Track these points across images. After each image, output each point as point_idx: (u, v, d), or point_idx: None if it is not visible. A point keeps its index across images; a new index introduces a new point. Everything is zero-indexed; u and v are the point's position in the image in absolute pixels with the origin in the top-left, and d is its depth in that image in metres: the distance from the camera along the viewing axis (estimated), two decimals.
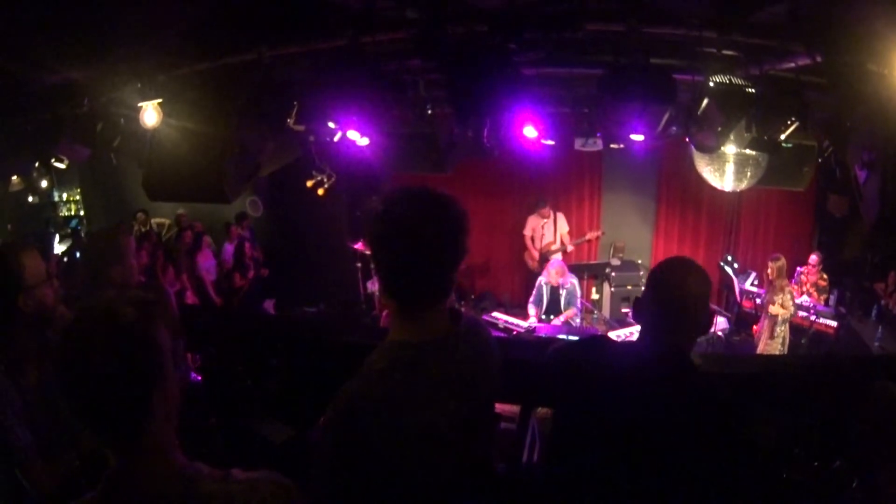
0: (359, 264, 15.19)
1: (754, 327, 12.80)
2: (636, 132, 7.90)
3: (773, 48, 6.40)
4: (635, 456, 2.88)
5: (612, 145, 10.68)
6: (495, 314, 12.93)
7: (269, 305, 15.24)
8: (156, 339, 2.14)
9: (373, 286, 14.99)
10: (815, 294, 13.33)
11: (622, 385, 3.01)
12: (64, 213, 21.37)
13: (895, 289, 12.10)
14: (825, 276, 13.46)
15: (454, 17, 6.12)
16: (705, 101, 7.09)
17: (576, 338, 3.99)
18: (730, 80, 6.75)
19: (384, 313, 2.59)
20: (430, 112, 9.56)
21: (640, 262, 15.40)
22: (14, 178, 11.18)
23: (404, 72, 7.97)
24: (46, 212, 20.31)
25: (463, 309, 13.19)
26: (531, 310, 12.73)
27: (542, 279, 12.80)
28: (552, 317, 12.44)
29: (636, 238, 16.63)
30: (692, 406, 2.94)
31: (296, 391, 6.22)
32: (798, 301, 12.53)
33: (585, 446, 3.07)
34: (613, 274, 14.99)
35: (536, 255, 15.49)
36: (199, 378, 6.53)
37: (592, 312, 14.14)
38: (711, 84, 6.83)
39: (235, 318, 9.96)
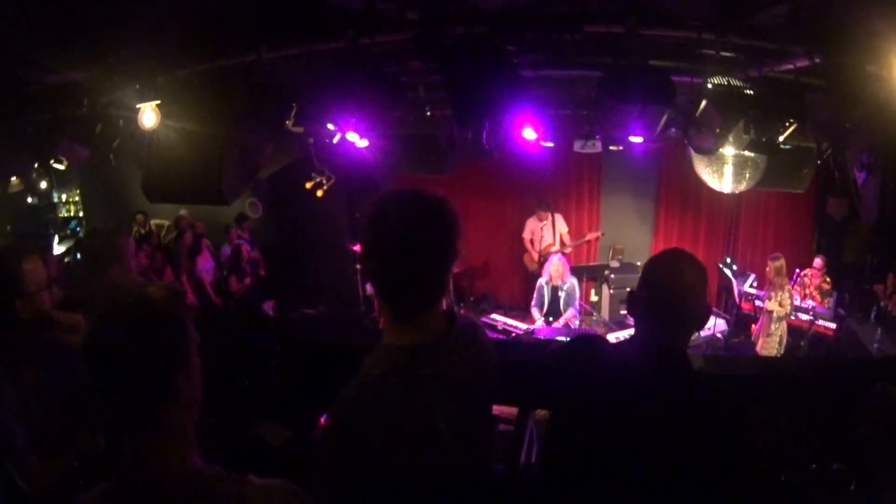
0: (358, 266, 15.12)
1: (753, 327, 12.81)
2: (635, 134, 7.90)
3: (773, 50, 6.40)
4: (630, 454, 2.86)
5: (611, 147, 10.71)
6: (494, 316, 12.93)
7: (268, 307, 15.23)
8: (184, 323, 2.24)
9: (371, 287, 14.96)
10: (818, 297, 13.33)
11: (616, 383, 3.00)
12: (63, 214, 21.34)
13: (894, 290, 12.09)
14: (828, 280, 13.46)
15: (454, 18, 6.12)
16: (704, 103, 7.10)
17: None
18: (728, 81, 6.75)
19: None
20: (429, 114, 9.59)
21: (639, 264, 15.35)
22: (13, 178, 11.19)
23: (404, 73, 7.98)
24: (46, 213, 20.28)
25: (462, 310, 13.22)
26: (535, 313, 12.73)
27: (542, 280, 12.80)
28: (551, 318, 12.44)
29: (635, 240, 16.64)
30: (686, 402, 2.93)
31: (294, 392, 6.22)
32: (798, 303, 12.55)
33: (581, 446, 3.06)
34: (612, 276, 14.98)
35: (537, 256, 15.49)
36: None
37: (591, 314, 14.16)
38: (710, 86, 6.84)
39: (234, 319, 9.95)
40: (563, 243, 15.53)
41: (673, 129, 8.40)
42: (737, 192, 9.44)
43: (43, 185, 13.69)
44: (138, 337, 2.10)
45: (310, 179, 13.44)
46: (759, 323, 12.21)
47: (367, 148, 9.98)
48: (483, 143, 9.36)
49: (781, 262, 11.63)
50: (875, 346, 11.07)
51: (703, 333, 12.47)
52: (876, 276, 12.74)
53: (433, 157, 9.98)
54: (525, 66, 6.99)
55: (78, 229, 19.75)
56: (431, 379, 2.59)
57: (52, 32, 6.31)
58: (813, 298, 13.29)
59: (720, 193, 9.76)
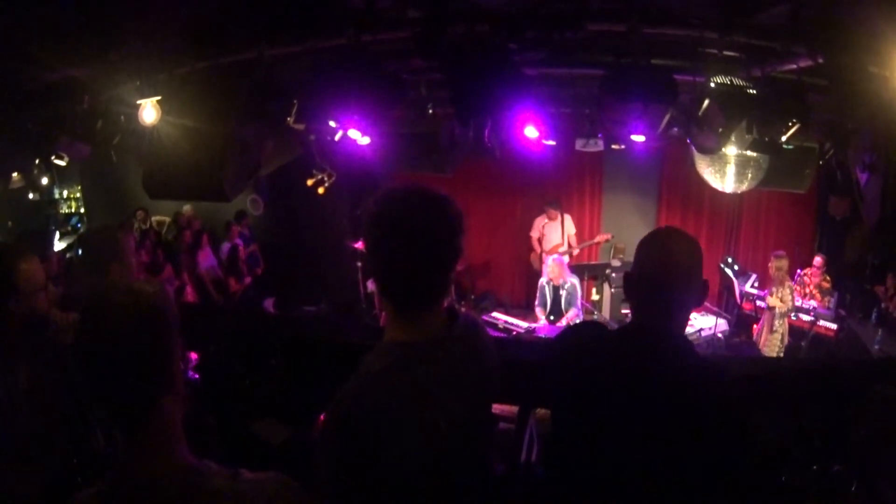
0: (359, 263, 15.15)
1: (754, 326, 12.81)
2: (637, 133, 7.89)
3: (775, 49, 6.39)
4: (625, 441, 2.84)
5: (613, 146, 10.71)
6: (495, 314, 12.99)
7: (268, 304, 15.24)
8: (170, 317, 2.24)
9: (373, 285, 14.95)
10: (818, 296, 13.33)
11: (611, 366, 2.98)
12: (64, 210, 21.34)
13: (895, 292, 12.08)
14: (828, 279, 13.46)
15: (455, 16, 6.11)
16: (706, 103, 7.10)
17: None
18: (731, 81, 6.76)
19: (384, 313, 2.57)
20: (431, 112, 9.58)
21: None
22: (14, 175, 11.17)
23: (405, 71, 7.97)
24: (47, 209, 20.27)
25: (463, 308, 13.23)
26: (539, 312, 12.77)
27: (542, 280, 12.84)
28: (553, 318, 12.45)
29: (637, 239, 16.27)
30: (683, 384, 2.88)
31: (294, 391, 6.21)
32: (799, 304, 12.55)
33: (578, 434, 3.04)
34: (614, 275, 14.96)
35: (541, 255, 15.48)
36: (197, 377, 6.53)
37: (593, 313, 14.14)
38: (713, 85, 6.84)
39: (234, 317, 9.96)
40: (570, 245, 15.51)
41: (675, 129, 8.39)
42: (739, 191, 9.44)
43: (44, 181, 13.67)
44: (134, 331, 2.11)
45: (311, 177, 13.46)
46: (761, 321, 12.22)
47: (368, 146, 9.98)
48: (485, 142, 9.38)
49: (785, 260, 11.64)
50: (876, 347, 11.07)
51: (703, 333, 12.51)
52: (877, 276, 12.73)
53: (434, 155, 9.98)
54: (527, 64, 6.98)
55: (79, 226, 19.74)
56: (432, 377, 2.58)
57: (53, 29, 6.30)
58: (813, 297, 13.29)
59: (722, 193, 9.76)
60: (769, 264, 11.93)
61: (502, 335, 11.58)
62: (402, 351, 2.60)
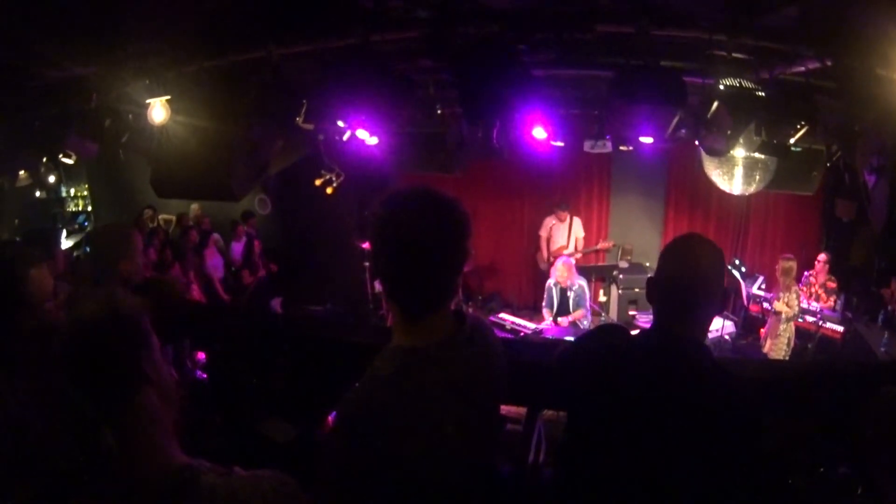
0: (366, 264, 15.16)
1: (761, 330, 12.80)
2: (645, 134, 7.88)
3: (783, 52, 6.39)
4: (642, 446, 2.86)
5: (621, 147, 10.70)
6: (502, 315, 12.98)
7: (275, 304, 15.26)
8: (141, 319, 2.38)
9: (380, 286, 14.93)
10: (823, 295, 13.33)
11: (631, 372, 3.00)
12: (71, 208, 21.35)
13: None
14: (833, 278, 13.45)
15: (465, 16, 6.12)
16: (715, 105, 7.10)
17: None
18: (740, 83, 6.75)
19: (391, 315, 2.58)
20: (439, 112, 9.59)
21: (647, 264, 15.38)
22: (22, 172, 11.17)
23: (414, 71, 7.97)
24: (54, 207, 20.30)
25: (470, 310, 13.23)
26: (545, 313, 12.78)
27: (550, 282, 12.83)
28: (560, 319, 12.45)
29: (644, 241, 16.62)
30: (700, 391, 2.90)
31: (302, 390, 6.22)
32: (806, 306, 12.54)
33: (596, 437, 3.05)
34: (621, 276, 14.98)
35: (546, 256, 15.48)
36: (205, 376, 6.54)
37: (600, 315, 14.14)
38: (721, 87, 6.84)
39: (242, 317, 9.97)
40: (576, 248, 15.50)
41: (683, 130, 8.39)
42: (746, 193, 9.44)
43: (51, 179, 13.67)
44: (102, 324, 2.23)
45: (319, 176, 13.46)
46: (767, 325, 12.21)
47: (376, 146, 9.98)
48: (493, 142, 9.39)
49: (792, 263, 11.61)
50: (882, 349, 11.06)
51: (710, 335, 12.49)
52: (884, 279, 12.72)
53: (442, 155, 9.99)
54: (536, 65, 6.98)
55: (86, 224, 19.77)
56: (440, 380, 2.58)
57: (62, 27, 6.31)
58: (819, 297, 13.28)
59: (729, 195, 9.76)
60: (776, 266, 11.92)
61: (510, 336, 11.57)
62: (410, 355, 2.60)
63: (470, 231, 2.64)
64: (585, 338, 3.49)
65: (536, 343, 10.58)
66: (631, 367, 3.01)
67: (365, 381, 2.56)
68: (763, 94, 6.73)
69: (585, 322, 12.56)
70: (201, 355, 6.80)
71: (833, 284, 13.38)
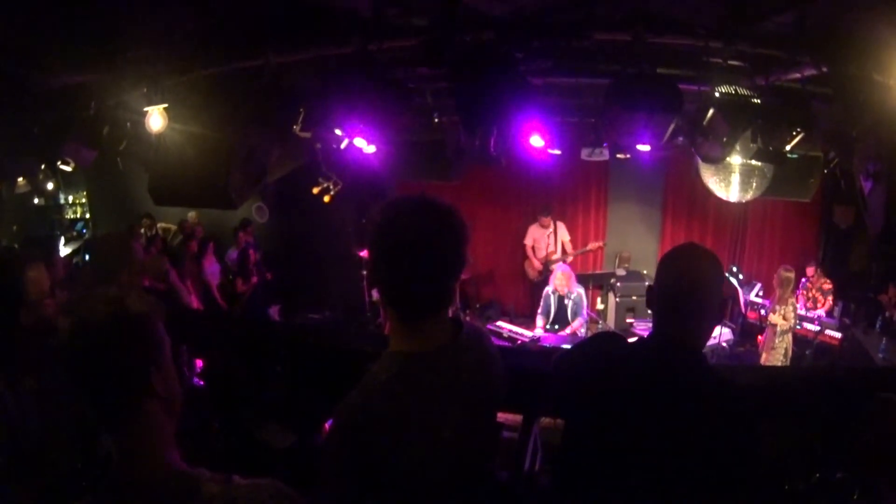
0: (364, 272, 15.12)
1: (759, 338, 12.81)
2: (642, 142, 7.90)
3: (780, 59, 6.41)
4: (638, 451, 2.86)
5: (618, 155, 10.71)
6: (500, 323, 12.97)
7: (273, 312, 15.26)
8: (155, 325, 2.31)
9: (378, 294, 14.91)
10: (821, 298, 13.37)
11: (629, 378, 3.00)
12: (70, 215, 21.35)
13: None
14: (828, 281, 13.49)
15: (462, 25, 6.13)
16: (711, 112, 7.10)
17: None
18: (735, 90, 6.76)
19: (388, 322, 2.57)
20: (437, 120, 9.60)
21: (645, 272, 15.38)
22: (20, 179, 11.17)
23: (412, 80, 7.98)
24: (52, 214, 20.30)
25: (468, 317, 13.23)
26: (539, 321, 12.76)
27: (548, 289, 12.83)
28: (557, 327, 12.45)
29: (642, 248, 16.64)
30: (697, 398, 2.91)
31: (299, 397, 6.22)
32: (804, 313, 12.56)
33: (594, 443, 3.05)
34: (619, 284, 14.97)
35: (538, 265, 15.50)
36: (203, 383, 6.54)
37: (597, 322, 14.15)
38: (717, 94, 6.84)
39: (240, 324, 9.96)
40: (564, 251, 15.52)
41: (680, 138, 8.40)
42: (743, 200, 9.44)
43: (49, 186, 13.66)
44: (112, 333, 2.18)
45: (317, 185, 13.49)
46: (764, 336, 12.21)
47: (374, 154, 9.99)
48: (490, 150, 9.39)
49: (791, 275, 11.60)
50: (880, 355, 11.07)
51: (708, 342, 12.48)
52: (882, 285, 12.74)
53: (440, 163, 10.00)
54: (533, 73, 6.99)
55: (84, 231, 19.80)
56: (437, 386, 2.60)
57: (60, 35, 6.33)
58: (817, 300, 13.32)
59: (727, 202, 9.77)
60: (775, 275, 11.91)
61: (507, 344, 11.58)
62: (407, 361, 2.62)
63: (468, 238, 2.65)
64: (582, 345, 3.50)
65: (534, 351, 10.58)
66: (629, 375, 3.01)
67: (362, 387, 2.57)
68: (759, 100, 6.75)
69: (583, 331, 12.56)
70: (199, 362, 6.80)
71: (829, 286, 13.42)
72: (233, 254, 15.50)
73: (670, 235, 16.67)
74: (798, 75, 6.55)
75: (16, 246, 13.54)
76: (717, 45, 6.20)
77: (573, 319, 12.44)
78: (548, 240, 15.49)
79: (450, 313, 2.81)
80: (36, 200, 18.65)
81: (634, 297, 14.53)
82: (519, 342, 11.76)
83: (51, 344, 3.78)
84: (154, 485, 2.15)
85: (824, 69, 6.09)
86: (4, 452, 3.40)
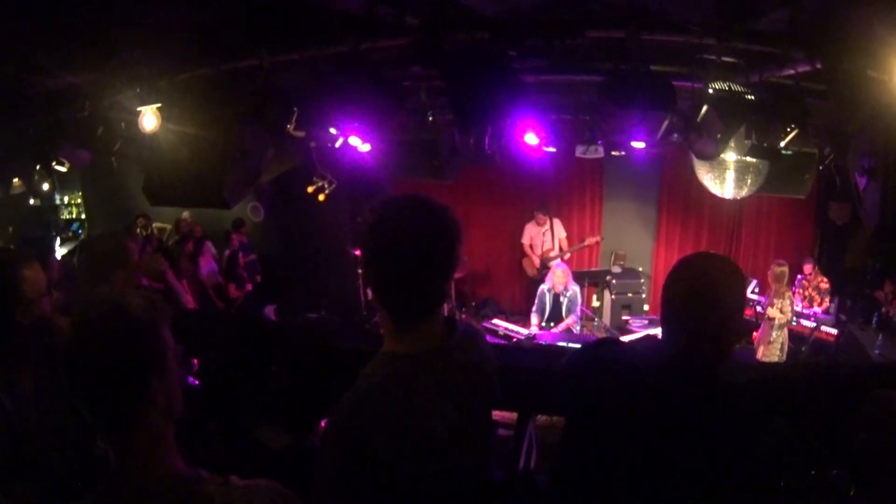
0: (360, 271, 15.11)
1: (754, 334, 12.81)
2: (636, 139, 7.91)
3: (774, 55, 6.40)
4: (638, 462, 2.86)
5: (613, 152, 10.72)
6: (495, 321, 12.97)
7: (269, 311, 15.24)
8: (159, 330, 2.26)
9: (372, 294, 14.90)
10: (817, 297, 13.39)
11: (632, 390, 2.96)
12: (65, 216, 21.39)
13: (894, 297, 12.10)
14: (825, 280, 13.50)
15: (455, 24, 6.13)
16: (705, 109, 7.10)
17: (579, 345, 3.88)
18: (729, 87, 6.76)
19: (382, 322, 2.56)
20: (431, 119, 9.57)
21: (640, 269, 15.42)
22: (15, 180, 11.17)
23: (405, 78, 7.98)
24: (47, 215, 20.34)
25: (463, 316, 13.24)
26: (533, 318, 12.80)
27: (544, 287, 12.84)
28: (552, 324, 12.46)
29: (637, 246, 16.67)
30: (707, 412, 2.88)
31: (295, 397, 6.22)
32: (800, 310, 12.57)
33: (593, 453, 3.05)
34: (614, 281, 15.00)
35: (537, 262, 15.50)
36: (198, 383, 6.53)
37: (593, 320, 14.15)
38: (711, 91, 6.84)
39: (235, 324, 9.95)
40: (561, 248, 15.54)
41: (675, 135, 8.40)
42: (738, 197, 9.43)
43: (45, 187, 13.66)
44: (112, 343, 2.14)
45: (312, 184, 13.49)
46: (760, 330, 12.23)
47: (368, 153, 9.99)
48: (485, 149, 9.39)
49: (785, 269, 11.66)
50: (876, 352, 11.10)
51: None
52: (877, 281, 12.77)
53: (435, 162, 9.98)
54: (526, 71, 7.00)
55: (80, 231, 19.83)
56: (431, 386, 2.59)
57: (54, 36, 6.33)
58: (812, 300, 13.33)
59: (722, 199, 9.74)
60: (769, 271, 11.94)
61: (502, 342, 11.58)
62: (401, 361, 2.61)
63: (461, 237, 2.64)
64: (591, 348, 3.46)
65: (529, 349, 10.57)
66: (637, 387, 2.95)
67: (356, 388, 2.56)
68: (753, 97, 6.74)
69: (577, 327, 12.58)
70: (195, 362, 6.79)
71: (826, 285, 13.44)
72: (227, 254, 15.50)
73: (666, 233, 16.71)
74: (792, 72, 6.55)
75: (12, 248, 13.55)
76: (711, 42, 6.19)
77: (567, 317, 12.45)
78: (543, 237, 15.51)
79: (445, 312, 2.81)
80: (31, 201, 18.65)
81: (630, 295, 14.55)
82: (514, 340, 11.76)
83: (47, 342, 3.78)
84: (152, 486, 2.14)
85: (818, 65, 6.08)
86: (2, 452, 3.40)
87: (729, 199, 9.67)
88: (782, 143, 7.29)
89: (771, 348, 11.66)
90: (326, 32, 6.58)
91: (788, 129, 7.06)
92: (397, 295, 2.62)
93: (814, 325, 12.54)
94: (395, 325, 2.67)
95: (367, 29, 6.29)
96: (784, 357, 11.67)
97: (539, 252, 15.51)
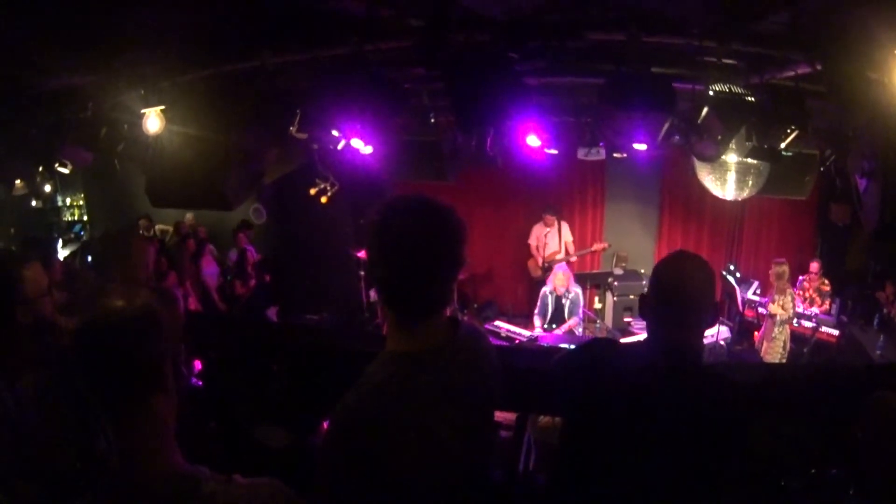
0: (362, 272, 15.15)
1: (756, 334, 12.83)
2: (637, 141, 7.90)
3: (774, 57, 6.42)
4: (639, 456, 2.88)
5: (615, 154, 10.72)
6: (498, 323, 13.00)
7: (271, 313, 15.24)
8: (163, 323, 2.30)
9: (375, 295, 14.86)
10: (818, 299, 13.39)
11: (628, 385, 3.01)
12: (67, 217, 21.35)
13: (895, 298, 12.11)
14: (827, 282, 13.51)
15: (456, 25, 6.14)
16: (705, 111, 7.11)
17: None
18: (730, 89, 6.77)
19: (386, 322, 2.56)
20: (433, 120, 9.59)
21: (642, 271, 15.38)
22: (17, 182, 11.18)
23: (407, 80, 7.98)
24: (50, 216, 20.32)
25: (466, 317, 13.23)
26: (536, 320, 12.79)
27: (546, 289, 12.85)
28: (555, 326, 12.47)
29: (639, 247, 16.65)
30: (694, 402, 2.94)
31: (297, 398, 6.23)
32: (801, 310, 12.58)
33: (593, 448, 3.07)
34: (616, 283, 14.97)
35: (541, 263, 15.50)
36: (200, 383, 6.54)
37: (595, 322, 14.15)
38: (711, 93, 6.85)
39: (237, 325, 9.97)
40: (567, 252, 15.55)
41: (676, 137, 8.41)
42: (739, 198, 9.44)
43: (47, 188, 13.71)
44: (124, 332, 2.18)
45: (314, 186, 13.49)
46: (763, 328, 12.25)
47: (371, 155, 9.97)
48: (487, 151, 9.41)
49: (785, 267, 11.70)
50: (878, 352, 11.11)
51: (706, 341, 12.50)
52: (878, 282, 12.78)
53: (437, 163, 9.99)
54: (528, 73, 6.99)
55: (82, 233, 19.81)
56: (434, 386, 2.59)
57: (57, 36, 6.33)
58: (813, 301, 13.33)
59: (723, 200, 9.76)
60: (770, 271, 11.96)
61: (504, 343, 11.58)
62: (404, 361, 2.61)
63: (465, 238, 2.65)
64: (582, 349, 3.50)
65: (531, 350, 10.58)
66: (629, 382, 3.02)
67: (358, 387, 2.56)
68: (753, 99, 6.75)
69: (579, 329, 12.59)
70: (197, 363, 6.80)
71: (827, 287, 13.44)
72: (233, 255, 15.50)
73: (667, 234, 16.70)
74: (792, 73, 6.56)
75: (13, 249, 13.56)
76: (711, 44, 6.20)
77: (570, 319, 12.45)
78: (546, 239, 15.51)
79: (448, 313, 2.82)
80: (34, 203, 18.67)
81: (632, 297, 14.53)
82: (517, 341, 11.77)
83: (49, 342, 3.79)
84: (155, 483, 2.15)
85: (818, 67, 6.09)
86: (3, 451, 3.41)
87: (730, 201, 9.69)
88: (783, 145, 7.30)
89: (773, 345, 11.69)
90: (328, 34, 6.59)
91: (789, 131, 7.07)
92: (402, 295, 2.63)
93: (814, 325, 12.55)
94: (399, 325, 2.68)
95: (369, 31, 6.30)
96: (786, 355, 11.69)
97: (544, 254, 15.50)
